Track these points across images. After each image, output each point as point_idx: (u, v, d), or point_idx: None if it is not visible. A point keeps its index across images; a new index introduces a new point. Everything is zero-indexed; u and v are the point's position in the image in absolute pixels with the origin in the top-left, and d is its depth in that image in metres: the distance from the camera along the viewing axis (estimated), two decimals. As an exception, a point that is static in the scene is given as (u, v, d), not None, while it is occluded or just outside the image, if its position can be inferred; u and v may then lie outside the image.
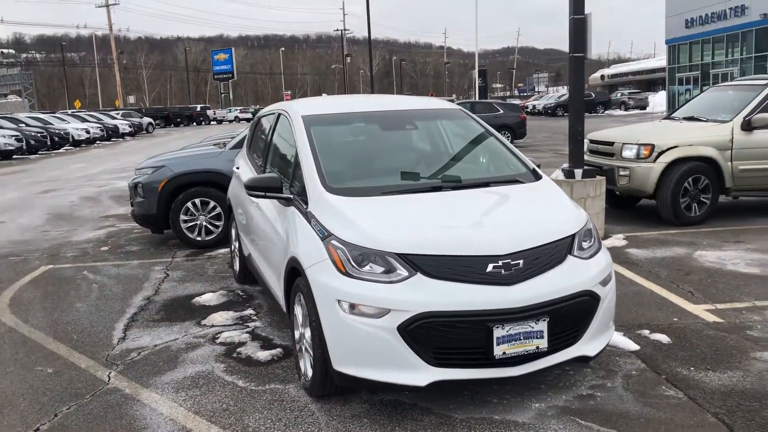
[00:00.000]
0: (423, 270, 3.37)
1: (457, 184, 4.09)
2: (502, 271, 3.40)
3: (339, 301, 3.42)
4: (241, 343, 4.74)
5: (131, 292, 6.23)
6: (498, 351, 3.32)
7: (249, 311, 5.46)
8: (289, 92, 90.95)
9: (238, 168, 6.02)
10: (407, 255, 3.41)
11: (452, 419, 3.54)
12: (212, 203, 7.98)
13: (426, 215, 3.75)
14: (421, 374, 3.33)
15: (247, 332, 4.97)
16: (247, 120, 55.80)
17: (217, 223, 8.04)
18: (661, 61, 60.21)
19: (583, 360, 3.62)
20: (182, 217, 7.96)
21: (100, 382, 4.21)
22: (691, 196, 8.18)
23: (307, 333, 3.82)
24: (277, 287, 4.41)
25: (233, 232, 6.40)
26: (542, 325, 3.41)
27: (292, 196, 4.22)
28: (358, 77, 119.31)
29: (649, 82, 72.47)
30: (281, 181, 4.31)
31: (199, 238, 8.03)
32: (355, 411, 3.67)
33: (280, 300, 4.42)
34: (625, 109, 52.77)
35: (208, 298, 5.82)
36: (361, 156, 4.65)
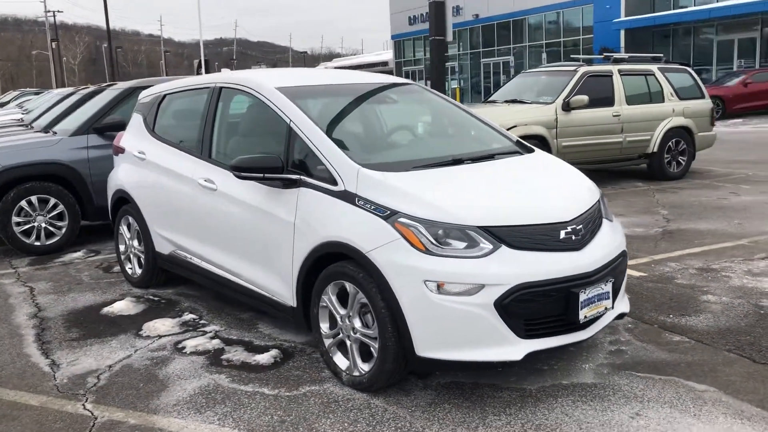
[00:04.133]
0: (506, 242, 3.26)
1: (475, 157, 4.00)
2: (573, 237, 3.43)
3: (426, 281, 3.17)
4: (220, 350, 4.14)
5: (2, 311, 5.04)
6: (581, 315, 3.36)
7: (189, 316, 4.77)
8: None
9: (143, 153, 5.17)
10: (489, 227, 3.27)
11: (528, 390, 3.50)
12: (53, 200, 6.77)
13: (480, 188, 3.62)
14: (515, 347, 3.23)
15: (210, 337, 4.35)
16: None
17: (60, 224, 6.83)
18: (381, 55, 64.12)
19: (620, 317, 3.81)
20: (15, 218, 6.62)
21: (83, 418, 3.38)
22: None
23: (357, 323, 3.49)
24: (278, 282, 3.92)
25: (123, 229, 5.51)
26: (609, 286, 3.52)
27: (299, 177, 3.78)
28: (60, 66, 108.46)
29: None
30: (281, 160, 3.82)
31: (37, 243, 6.76)
32: (426, 399, 3.44)
33: (280, 295, 3.93)
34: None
35: (122, 308, 4.96)
36: (361, 130, 4.31)
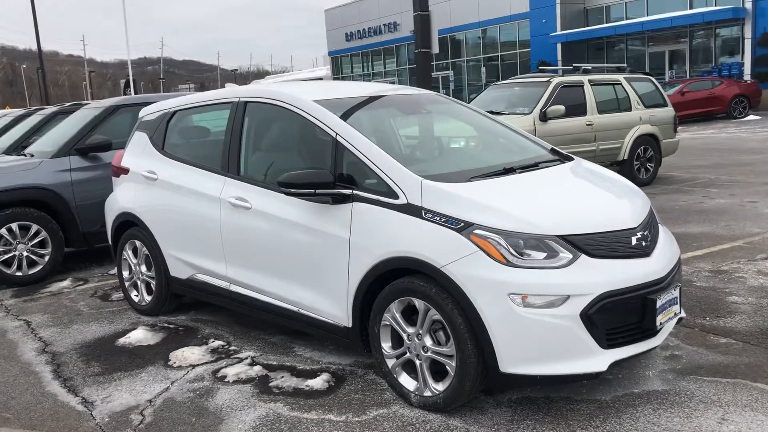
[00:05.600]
0: (584, 250, 3.20)
1: (524, 166, 3.93)
2: (643, 243, 3.40)
3: (510, 294, 3.08)
4: (264, 377, 3.93)
5: (5, 349, 4.67)
6: (657, 321, 3.32)
7: (216, 342, 4.52)
8: None
9: (154, 173, 4.89)
10: (568, 236, 3.21)
11: (603, 402, 3.43)
12: (35, 227, 6.35)
13: (547, 196, 3.56)
14: (600, 358, 3.16)
15: (249, 364, 4.12)
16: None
17: (42, 252, 6.42)
18: (315, 72, 64.01)
19: (679, 321, 3.80)
20: (-6, 248, 6.19)
21: (144, 459, 3.12)
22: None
23: (428, 341, 3.35)
24: (330, 301, 3.74)
25: (129, 254, 5.21)
26: (677, 292, 3.51)
27: (352, 191, 3.63)
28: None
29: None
30: (332, 175, 3.67)
31: (19, 273, 6.33)
32: (504, 416, 3.33)
33: (332, 315, 3.75)
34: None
35: (140, 338, 4.66)
36: (407, 142, 4.18)
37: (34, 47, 30.76)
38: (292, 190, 3.66)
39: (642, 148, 10.50)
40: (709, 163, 12.80)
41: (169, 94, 7.26)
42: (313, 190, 3.63)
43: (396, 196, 3.47)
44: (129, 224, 5.17)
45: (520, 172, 3.82)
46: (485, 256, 3.14)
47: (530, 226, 3.20)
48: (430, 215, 3.33)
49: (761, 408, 3.27)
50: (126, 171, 5.21)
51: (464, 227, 3.22)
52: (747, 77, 25.44)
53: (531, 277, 3.10)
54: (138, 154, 5.16)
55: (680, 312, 3.56)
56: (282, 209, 3.93)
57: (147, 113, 5.29)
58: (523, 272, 3.10)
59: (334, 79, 48.70)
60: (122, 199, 5.21)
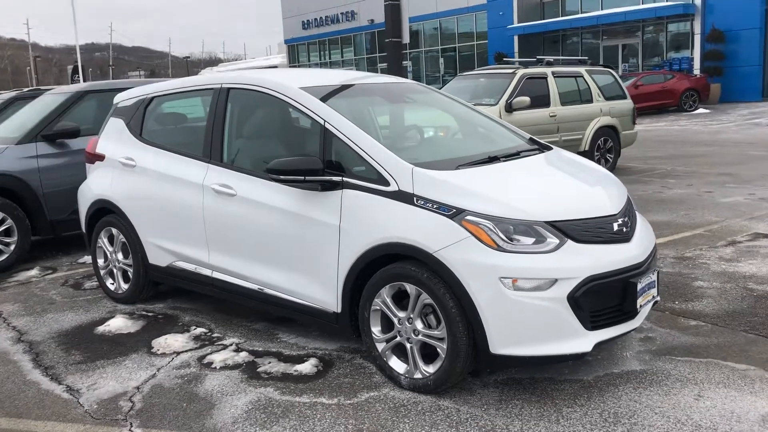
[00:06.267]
0: (570, 236, 3.32)
1: (507, 155, 4.03)
2: (624, 229, 3.54)
3: (501, 278, 3.17)
4: (251, 363, 3.95)
5: (-22, 337, 4.59)
6: (638, 304, 3.46)
7: (198, 330, 4.52)
8: None
9: (131, 159, 4.84)
10: (555, 222, 3.31)
11: (586, 381, 3.57)
12: (0, 215, 6.21)
13: (532, 184, 3.66)
14: (585, 339, 3.28)
15: (234, 351, 4.14)
16: None
17: (8, 240, 6.28)
18: (269, 59, 63.27)
19: (655, 304, 3.95)
20: (-42, 237, 6.03)
21: (139, 444, 3.12)
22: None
23: (419, 324, 3.43)
24: (318, 287, 3.78)
25: (104, 242, 5.14)
26: (655, 276, 3.65)
27: (341, 178, 3.67)
28: None
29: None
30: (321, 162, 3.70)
31: (-17, 263, 6.18)
32: (492, 396, 3.44)
33: (320, 301, 3.80)
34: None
35: (119, 326, 4.62)
36: (392, 131, 4.22)
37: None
38: (282, 177, 3.68)
39: (602, 139, 10.76)
40: (664, 155, 13.19)
41: (135, 81, 7.16)
42: (303, 177, 3.66)
43: (387, 183, 3.53)
44: (105, 211, 5.11)
45: (504, 161, 3.91)
46: (477, 241, 3.23)
47: (519, 213, 3.30)
48: (422, 202, 3.40)
49: (733, 384, 3.45)
50: (101, 157, 5.14)
51: (456, 213, 3.30)
52: (697, 71, 26.20)
53: (520, 262, 3.20)
54: (114, 140, 5.09)
55: (657, 296, 3.71)
56: (268, 196, 3.95)
57: (122, 99, 5.22)
58: (513, 257, 3.20)
59: (290, 67, 48.31)
60: (97, 186, 5.14)
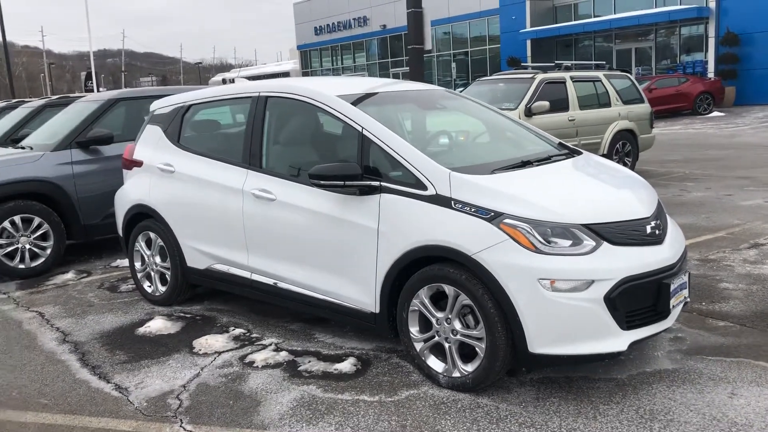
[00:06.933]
0: (606, 238, 3.42)
1: (540, 159, 4.13)
2: (656, 231, 3.64)
3: (539, 279, 3.28)
4: (292, 362, 4.07)
5: (24, 339, 4.73)
6: (671, 304, 3.55)
7: (237, 330, 4.64)
8: None
9: (170, 165, 4.98)
10: (591, 225, 3.42)
11: (620, 380, 3.66)
12: (37, 220, 6.37)
13: (567, 187, 3.77)
14: (620, 339, 3.38)
15: (274, 350, 4.26)
16: None
17: (44, 244, 6.44)
18: (281, 65, 63.55)
19: (686, 305, 4.04)
20: (-3, 241, 6.20)
21: (192, 439, 3.25)
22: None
23: (457, 324, 3.54)
24: (357, 288, 3.90)
25: (142, 245, 5.29)
26: (686, 277, 3.75)
27: (380, 183, 3.79)
28: None
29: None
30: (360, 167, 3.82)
31: (22, 266, 6.34)
32: (529, 395, 3.54)
33: (359, 302, 3.91)
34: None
35: (159, 327, 4.76)
36: (428, 136, 4.34)
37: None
38: (322, 182, 3.81)
39: (621, 143, 10.84)
40: (680, 158, 13.24)
41: (165, 89, 7.33)
42: (342, 182, 3.78)
43: (424, 188, 3.64)
44: (142, 216, 5.25)
45: (537, 165, 4.02)
46: (515, 243, 3.34)
47: (556, 216, 3.40)
48: (460, 205, 3.51)
49: (766, 383, 3.53)
50: (139, 164, 5.29)
51: (494, 217, 3.41)
52: (711, 75, 26.18)
53: (558, 263, 3.30)
54: (152, 146, 5.24)
55: (688, 297, 3.81)
56: (307, 200, 4.08)
57: (159, 107, 5.37)
58: (550, 259, 3.31)
59: (303, 73, 48.59)
60: (135, 191, 5.28)
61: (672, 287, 3.52)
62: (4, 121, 9.21)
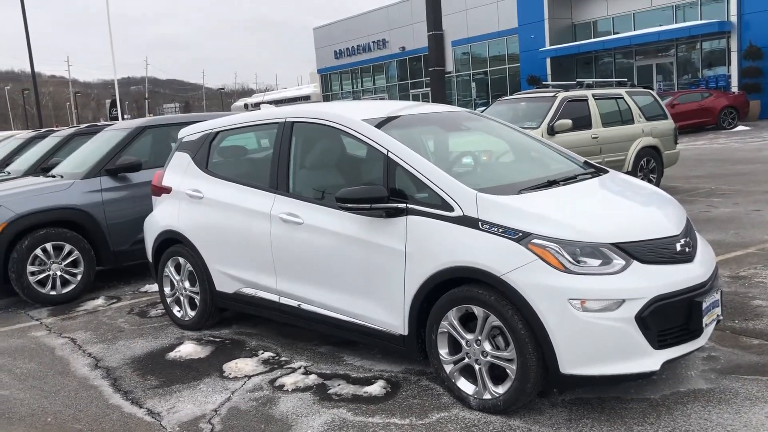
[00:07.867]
0: (635, 257, 3.40)
1: (566, 179, 4.13)
2: (686, 249, 3.61)
3: (570, 300, 3.26)
4: (322, 385, 4.08)
5: (58, 365, 4.80)
6: (704, 322, 3.51)
7: (266, 354, 4.67)
8: None
9: (198, 191, 5.05)
10: (620, 244, 3.40)
11: (653, 400, 3.62)
12: (68, 247, 6.48)
13: (595, 207, 3.76)
14: (653, 358, 3.35)
15: (303, 374, 4.27)
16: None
17: (75, 271, 6.54)
18: (302, 89, 64.00)
19: (718, 323, 3.99)
20: (29, 267, 6.30)
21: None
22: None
23: (487, 346, 3.53)
24: (384, 311, 3.91)
25: (171, 271, 5.35)
26: (718, 295, 3.71)
27: (406, 205, 3.81)
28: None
29: (295, 108, 76.88)
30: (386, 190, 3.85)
31: (53, 292, 6.44)
32: (562, 416, 3.51)
33: (387, 324, 3.92)
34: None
35: (189, 351, 4.80)
36: (453, 158, 4.37)
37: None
38: (349, 205, 3.84)
39: (645, 159, 10.77)
40: (705, 174, 13.11)
41: (190, 116, 7.44)
42: (369, 205, 3.81)
43: (451, 209, 3.66)
44: (171, 242, 5.32)
45: (563, 185, 4.02)
46: (544, 264, 3.33)
47: (585, 235, 3.40)
48: (488, 226, 3.52)
49: (804, 403, 3.47)
50: (168, 190, 5.37)
51: (522, 237, 3.41)
52: (734, 89, 25.97)
53: (588, 283, 3.29)
54: (180, 173, 5.32)
55: (720, 315, 3.76)
56: (335, 223, 4.11)
57: (187, 134, 5.46)
58: (580, 278, 3.30)
59: (323, 96, 49.01)
60: (165, 217, 5.36)
61: (704, 305, 3.49)
62: (34, 150, 9.41)
